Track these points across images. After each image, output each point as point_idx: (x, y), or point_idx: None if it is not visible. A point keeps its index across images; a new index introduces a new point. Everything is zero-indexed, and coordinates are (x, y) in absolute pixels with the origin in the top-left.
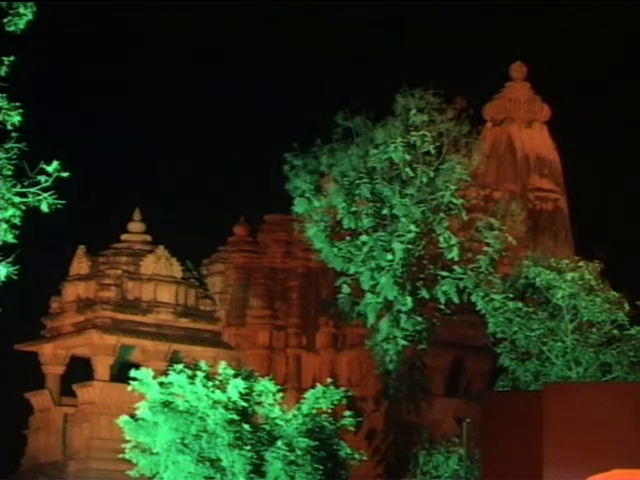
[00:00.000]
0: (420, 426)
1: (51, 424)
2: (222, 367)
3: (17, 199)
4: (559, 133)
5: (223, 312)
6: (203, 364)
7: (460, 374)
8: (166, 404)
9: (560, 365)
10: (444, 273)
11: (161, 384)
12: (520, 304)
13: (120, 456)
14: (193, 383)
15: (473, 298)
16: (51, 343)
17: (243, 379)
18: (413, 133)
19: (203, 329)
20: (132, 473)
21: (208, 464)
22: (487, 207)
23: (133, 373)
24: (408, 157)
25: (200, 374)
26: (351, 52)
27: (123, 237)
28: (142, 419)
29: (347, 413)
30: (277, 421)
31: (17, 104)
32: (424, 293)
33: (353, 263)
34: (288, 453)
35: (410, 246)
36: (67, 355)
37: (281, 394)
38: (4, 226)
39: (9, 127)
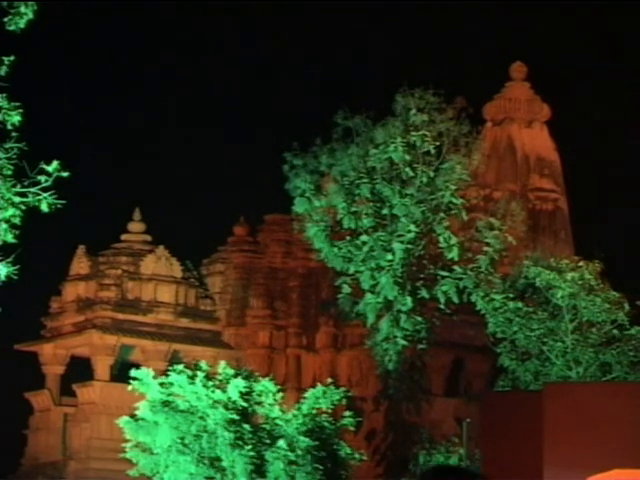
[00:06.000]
0: (420, 426)
1: (51, 424)
2: (222, 367)
3: (17, 199)
4: (559, 133)
5: (223, 312)
6: (203, 364)
7: (460, 374)
8: (166, 404)
9: (560, 365)
10: (444, 273)
11: (161, 384)
12: (520, 304)
13: (120, 456)
14: (193, 383)
15: (473, 298)
16: (51, 343)
17: (243, 379)
18: (413, 133)
19: (203, 329)
20: (132, 473)
21: (208, 464)
22: (487, 207)
23: (133, 373)
24: (408, 157)
25: (200, 374)
26: (351, 52)
27: (123, 237)
28: (142, 419)
29: (347, 413)
30: (277, 421)
31: (17, 104)
32: (424, 293)
33: (353, 263)
34: (288, 453)
35: (410, 246)
36: (67, 355)
37: (281, 394)
38: (4, 226)
39: (9, 127)
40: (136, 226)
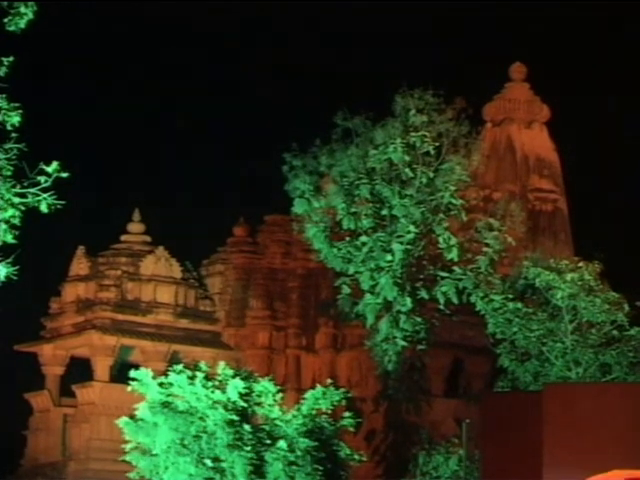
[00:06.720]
0: (420, 427)
1: (51, 425)
2: (222, 367)
3: (17, 199)
4: (559, 133)
5: (223, 313)
6: (203, 364)
7: (460, 375)
8: (166, 405)
9: (560, 366)
10: (443, 274)
11: (161, 384)
12: (520, 305)
13: (120, 458)
14: (193, 383)
15: (472, 299)
16: (51, 344)
17: (242, 379)
18: (412, 134)
19: (203, 330)
20: (132, 475)
21: (208, 465)
22: (486, 208)
23: (133, 374)
24: (407, 158)
25: (200, 374)
26: (351, 52)
27: (123, 238)
28: (142, 420)
29: (347, 414)
30: (277, 422)
31: (17, 104)
32: (423, 294)
33: (353, 264)
34: (288, 454)
35: (409, 247)
36: (67, 356)
37: (281, 395)
38: (4, 226)
39: (9, 127)
40: (136, 227)
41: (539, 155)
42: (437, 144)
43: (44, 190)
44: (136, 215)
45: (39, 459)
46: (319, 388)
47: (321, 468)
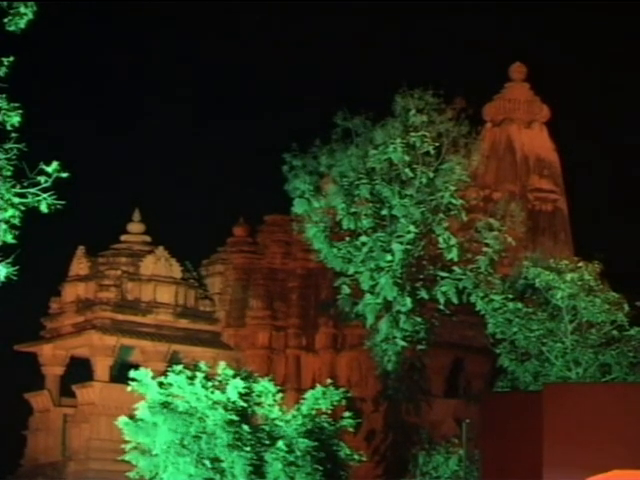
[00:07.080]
0: (420, 427)
1: (51, 425)
2: (221, 368)
3: (17, 200)
4: (559, 133)
5: (222, 313)
6: (202, 365)
7: (460, 375)
8: (165, 405)
9: (560, 366)
10: (443, 274)
11: (160, 385)
12: (519, 305)
13: (119, 458)
14: (192, 384)
15: (472, 299)
16: (51, 344)
17: (242, 380)
18: (412, 134)
19: (202, 330)
20: (132, 474)
21: (208, 465)
22: (486, 208)
23: (132, 374)
24: (407, 158)
25: (199, 375)
26: (351, 52)
27: (123, 238)
28: (141, 420)
29: (347, 414)
30: (277, 422)
31: (16, 105)
32: (423, 294)
33: (352, 264)
34: (288, 454)
35: (409, 247)
36: (67, 356)
37: (280, 395)
38: (4, 227)
39: (9, 128)
40: (136, 227)
41: (539, 155)
42: (437, 144)
43: (44, 190)
44: (136, 215)
45: (39, 459)
46: (319, 388)
47: (321, 468)
